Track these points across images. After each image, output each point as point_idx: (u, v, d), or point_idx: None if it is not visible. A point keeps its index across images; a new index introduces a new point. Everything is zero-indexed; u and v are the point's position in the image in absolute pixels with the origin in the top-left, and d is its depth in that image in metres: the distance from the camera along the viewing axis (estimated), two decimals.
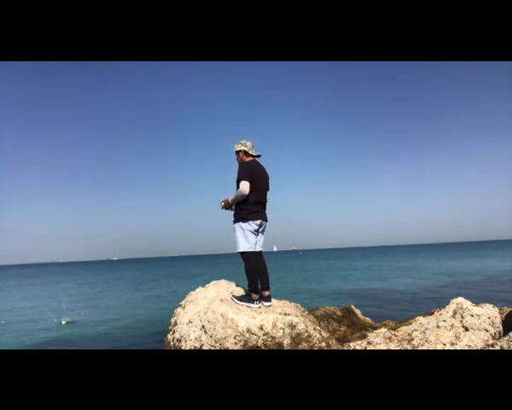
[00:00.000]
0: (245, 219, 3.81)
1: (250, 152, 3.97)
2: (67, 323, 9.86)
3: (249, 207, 3.80)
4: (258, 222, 3.86)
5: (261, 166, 4.02)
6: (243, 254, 3.87)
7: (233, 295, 4.07)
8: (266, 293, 4.00)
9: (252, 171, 3.80)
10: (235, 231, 3.92)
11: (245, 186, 3.73)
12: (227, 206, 3.99)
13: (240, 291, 4.31)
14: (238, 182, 3.80)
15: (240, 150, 4.00)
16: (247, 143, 4.00)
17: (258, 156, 4.08)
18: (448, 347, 2.98)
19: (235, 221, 3.93)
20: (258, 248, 3.96)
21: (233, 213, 4.01)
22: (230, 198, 3.90)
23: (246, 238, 3.83)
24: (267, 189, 4.02)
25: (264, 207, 4.02)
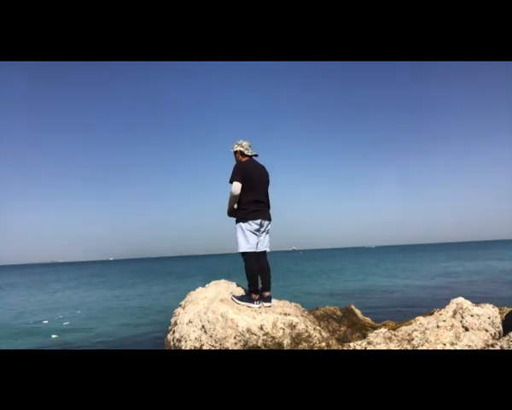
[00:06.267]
0: (245, 219, 3.81)
1: (246, 152, 3.98)
2: (66, 323, 9.85)
3: (248, 207, 3.80)
4: (259, 221, 3.84)
5: (258, 165, 4.03)
6: (243, 254, 3.88)
7: (233, 295, 4.07)
8: (267, 294, 3.99)
9: (244, 171, 3.81)
10: (236, 231, 3.92)
11: (234, 187, 3.77)
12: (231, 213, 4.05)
13: (240, 291, 4.31)
14: (231, 183, 3.84)
15: (236, 151, 4.03)
16: (244, 143, 4.01)
17: (255, 156, 4.08)
18: (448, 347, 2.98)
19: (236, 221, 3.94)
20: (261, 249, 3.95)
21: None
22: (226, 206, 3.98)
23: (246, 239, 3.83)
24: (266, 187, 4.02)
25: (267, 206, 4.01)
